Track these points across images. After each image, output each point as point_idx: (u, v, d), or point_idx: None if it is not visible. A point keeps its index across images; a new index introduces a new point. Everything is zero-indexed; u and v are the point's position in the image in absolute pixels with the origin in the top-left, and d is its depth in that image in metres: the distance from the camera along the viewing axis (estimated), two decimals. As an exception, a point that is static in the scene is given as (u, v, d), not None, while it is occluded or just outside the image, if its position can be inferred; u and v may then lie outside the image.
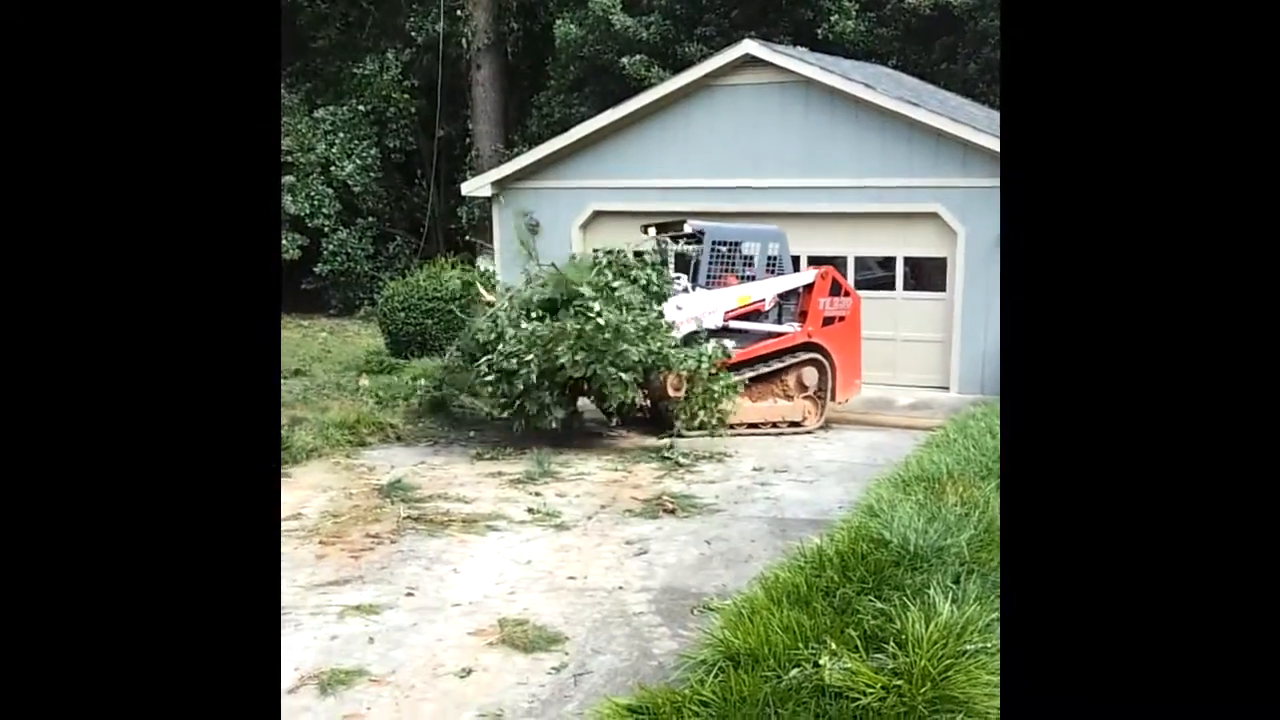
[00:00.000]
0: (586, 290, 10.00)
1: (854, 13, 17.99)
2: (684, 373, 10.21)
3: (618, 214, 14.40)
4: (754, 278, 11.52)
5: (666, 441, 10.21)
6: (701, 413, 10.42)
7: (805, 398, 11.38)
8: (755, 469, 9.65)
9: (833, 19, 17.73)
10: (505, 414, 10.23)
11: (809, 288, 11.62)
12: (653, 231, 11.80)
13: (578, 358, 9.65)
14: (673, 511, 8.17)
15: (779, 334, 11.34)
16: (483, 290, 11.42)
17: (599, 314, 9.76)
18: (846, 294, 11.80)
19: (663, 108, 14.35)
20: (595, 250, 11.54)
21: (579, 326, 9.70)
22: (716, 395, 10.40)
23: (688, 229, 11.52)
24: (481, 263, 12.35)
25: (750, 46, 13.75)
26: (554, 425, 10.08)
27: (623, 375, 9.71)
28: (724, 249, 11.47)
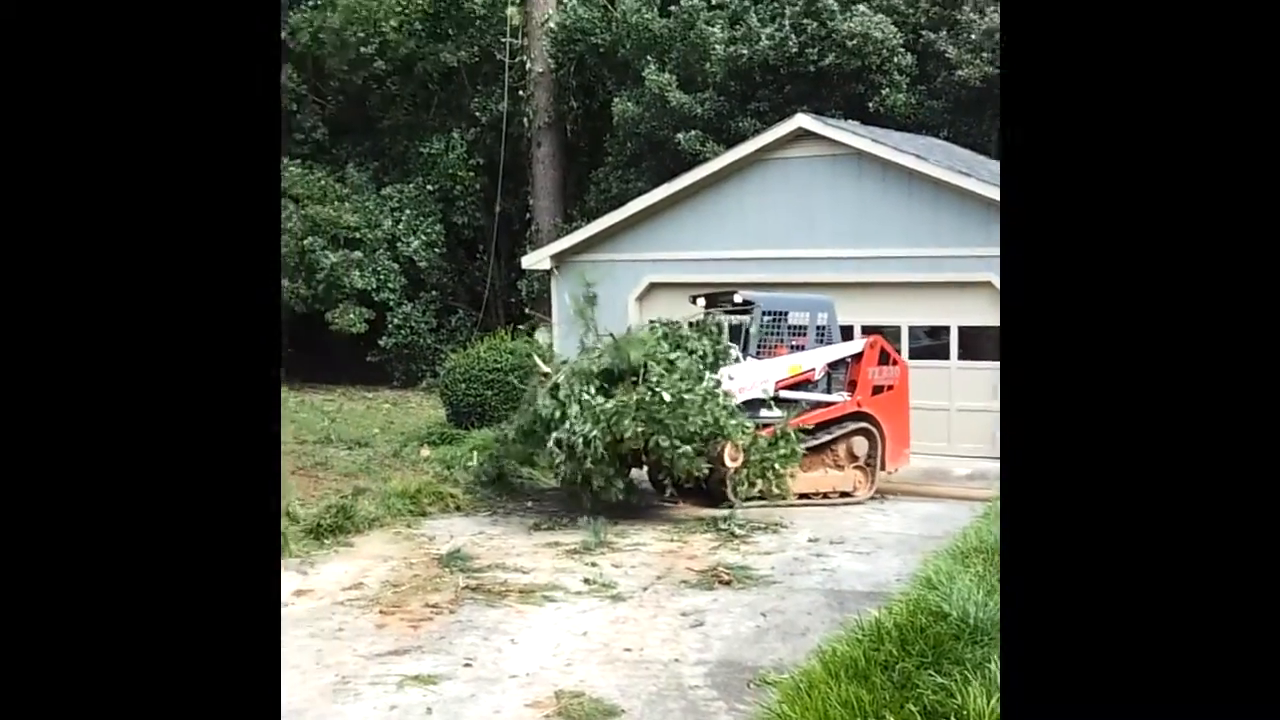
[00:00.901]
0: (649, 362, 10.11)
1: (905, 86, 18.21)
2: (740, 442, 10.27)
3: (673, 286, 14.62)
4: (803, 347, 11.59)
5: (723, 512, 10.24)
6: (760, 481, 10.45)
7: (856, 467, 11.35)
8: (811, 540, 9.63)
9: (884, 92, 17.97)
10: (570, 488, 10.34)
11: (858, 357, 11.65)
12: (701, 302, 11.95)
13: (640, 429, 9.77)
14: (728, 583, 8.19)
15: (829, 403, 11.36)
16: (539, 362, 11.58)
17: (660, 385, 9.87)
18: (895, 363, 11.81)
19: (717, 181, 14.62)
20: (652, 321, 11.68)
21: (641, 398, 9.81)
22: (774, 464, 10.43)
23: (738, 299, 11.65)
24: (540, 336, 12.46)
25: (803, 120, 14.01)
26: (619, 498, 10.16)
27: (686, 446, 9.81)
28: (774, 319, 11.56)
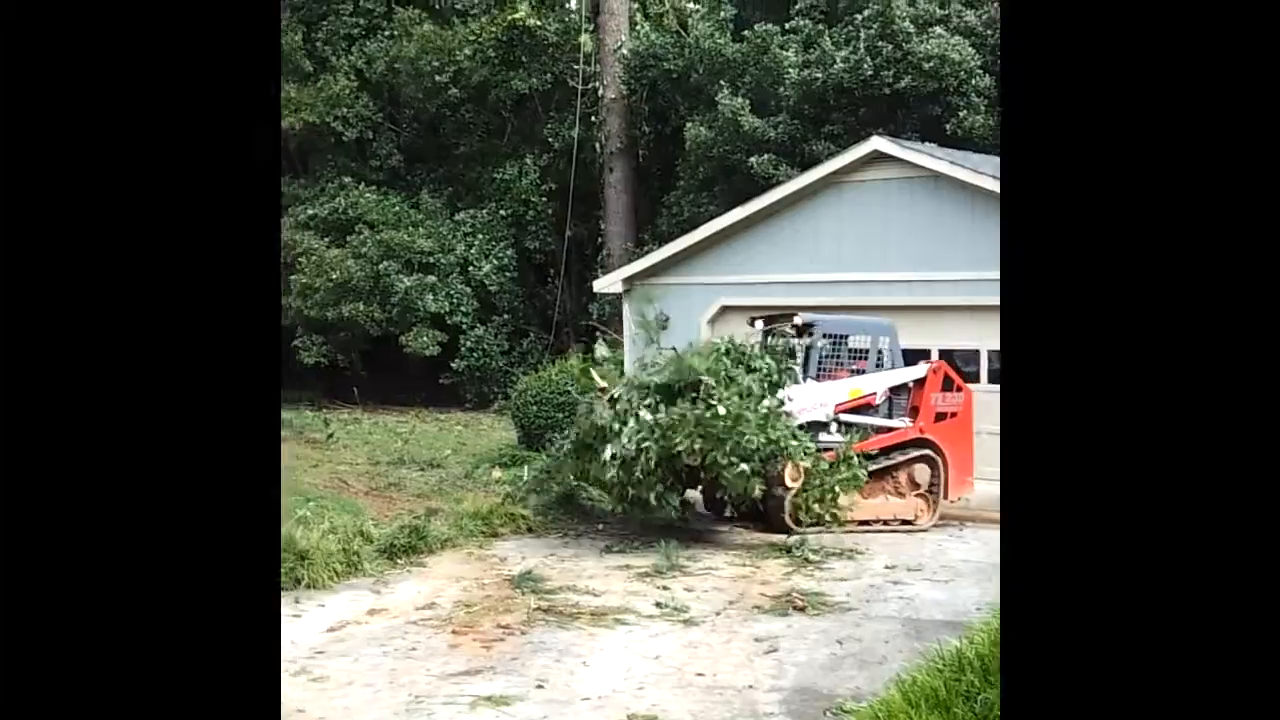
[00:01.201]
0: (707, 377, 9.96)
1: (983, 108, 17.94)
2: (802, 463, 10.07)
3: (745, 308, 14.51)
4: (863, 371, 11.39)
5: (796, 538, 10.07)
6: (816, 505, 10.23)
7: (918, 495, 11.10)
8: (888, 567, 9.42)
9: (961, 114, 17.72)
10: (621, 505, 10.21)
11: (920, 382, 11.42)
12: (759, 324, 11.78)
13: (696, 445, 9.60)
14: (803, 609, 8.04)
15: (890, 429, 11.14)
16: (597, 377, 11.37)
17: (718, 401, 9.70)
18: (959, 389, 11.56)
19: (790, 205, 14.51)
20: (716, 339, 11.59)
21: (698, 413, 9.66)
22: (834, 489, 10.21)
23: (798, 321, 11.44)
24: (600, 349, 12.23)
25: (878, 143, 13.85)
26: (672, 515, 10.05)
27: (743, 464, 9.62)
28: (834, 342, 11.38)
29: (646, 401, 9.94)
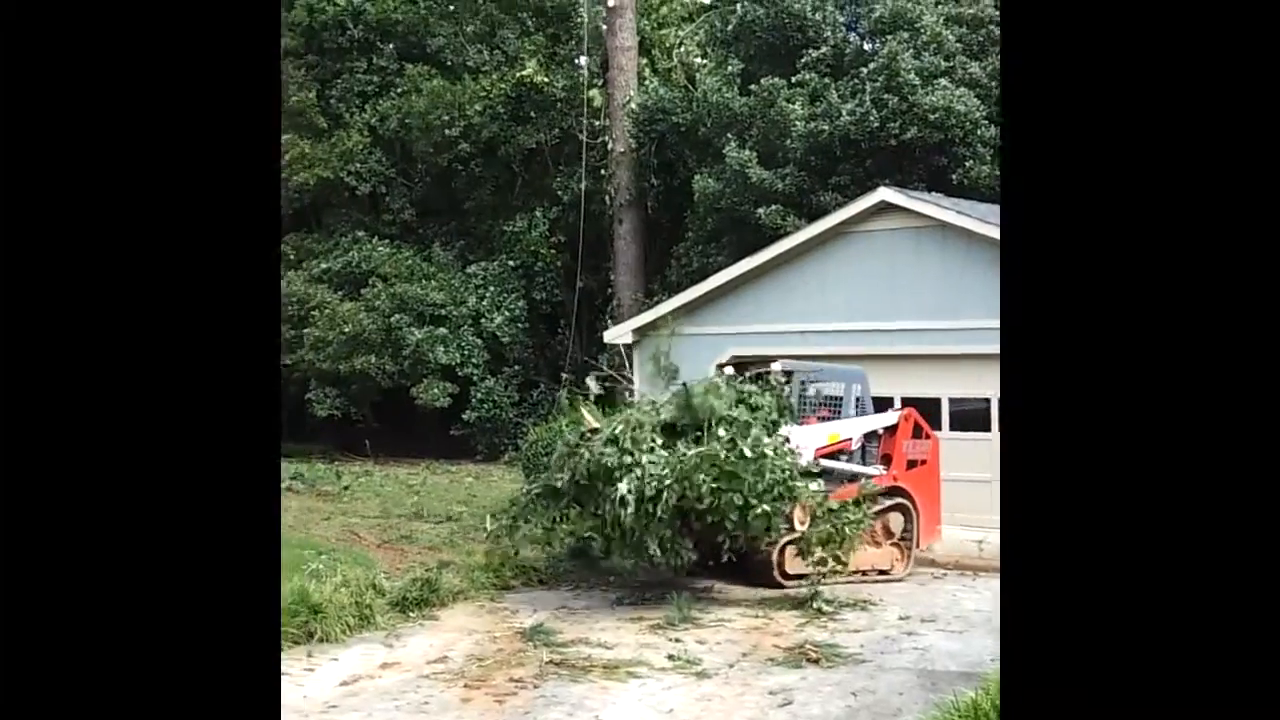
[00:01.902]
0: (728, 412, 9.58)
1: (989, 158, 18.10)
2: (810, 504, 9.75)
3: (756, 359, 14.56)
4: (835, 417, 11.31)
5: (807, 590, 9.97)
6: (819, 550, 9.80)
7: (892, 544, 10.95)
8: (901, 618, 9.35)
9: (968, 165, 17.88)
10: (624, 552, 9.69)
11: (891, 429, 11.37)
12: (729, 370, 11.34)
13: (716, 485, 9.14)
14: (817, 661, 7.98)
15: (866, 475, 10.90)
16: (588, 415, 10.53)
17: (737, 437, 9.34)
18: (927, 436, 11.53)
19: (799, 255, 14.63)
20: (718, 368, 11.35)
21: (715, 452, 9.24)
22: (845, 530, 9.83)
23: (776, 368, 11.15)
24: (591, 384, 11.44)
25: (885, 193, 13.99)
26: (681, 562, 9.67)
27: (763, 505, 9.20)
28: (809, 388, 11.30)
29: (655, 440, 9.49)
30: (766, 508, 9.24)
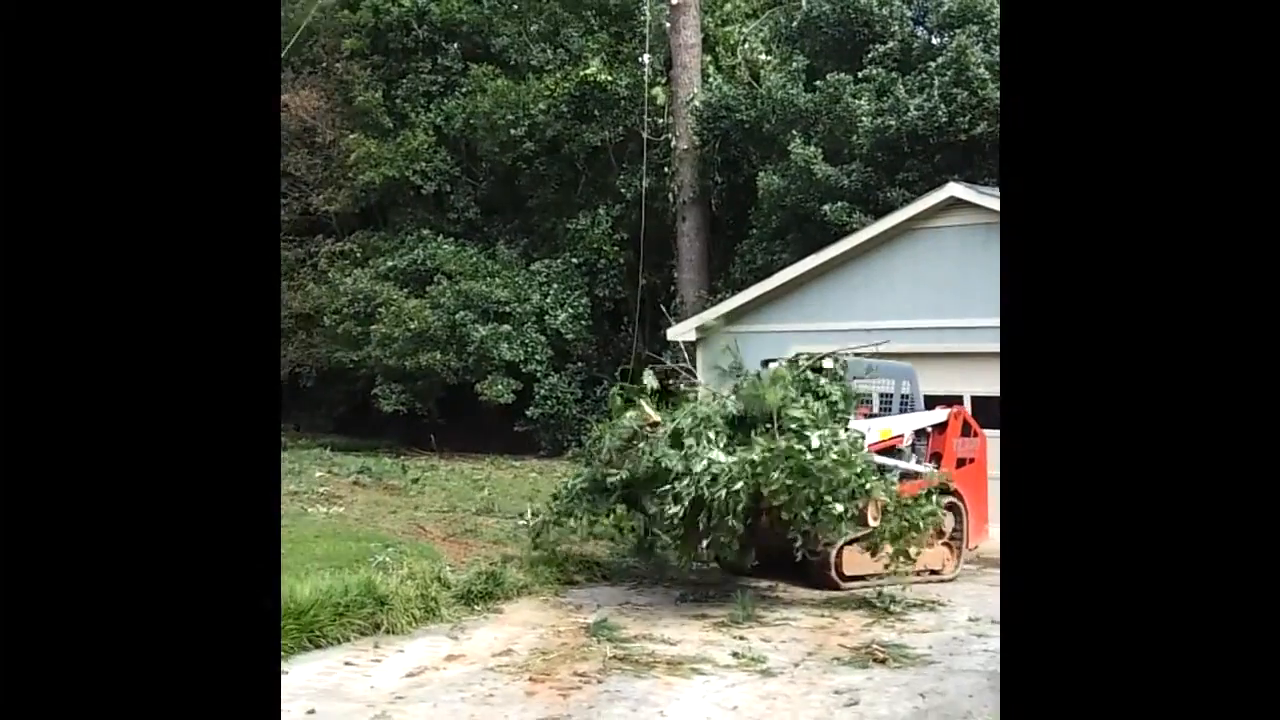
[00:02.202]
0: (794, 410, 9.26)
1: (1061, 152, 17.75)
2: (882, 499, 9.40)
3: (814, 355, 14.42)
4: (888, 413, 11.13)
5: (874, 589, 9.85)
6: (889, 546, 9.46)
7: (943, 544, 10.73)
8: (971, 619, 9.19)
9: (1039, 159, 17.55)
10: (690, 552, 9.52)
11: (940, 427, 11.14)
12: (774, 365, 10.91)
13: (789, 483, 8.80)
14: (884, 661, 7.87)
15: (917, 474, 10.61)
16: (647, 408, 10.06)
17: (811, 431, 9.03)
18: (975, 434, 11.29)
19: (865, 252, 14.46)
20: (763, 364, 11.05)
21: (789, 446, 8.92)
22: (920, 523, 9.46)
23: (827, 364, 11.01)
24: (648, 379, 10.95)
25: (955, 189, 13.77)
26: (753, 562, 9.67)
27: (838, 504, 8.85)
28: (860, 383, 11.01)
29: (724, 434, 9.20)
30: (841, 505, 8.89)
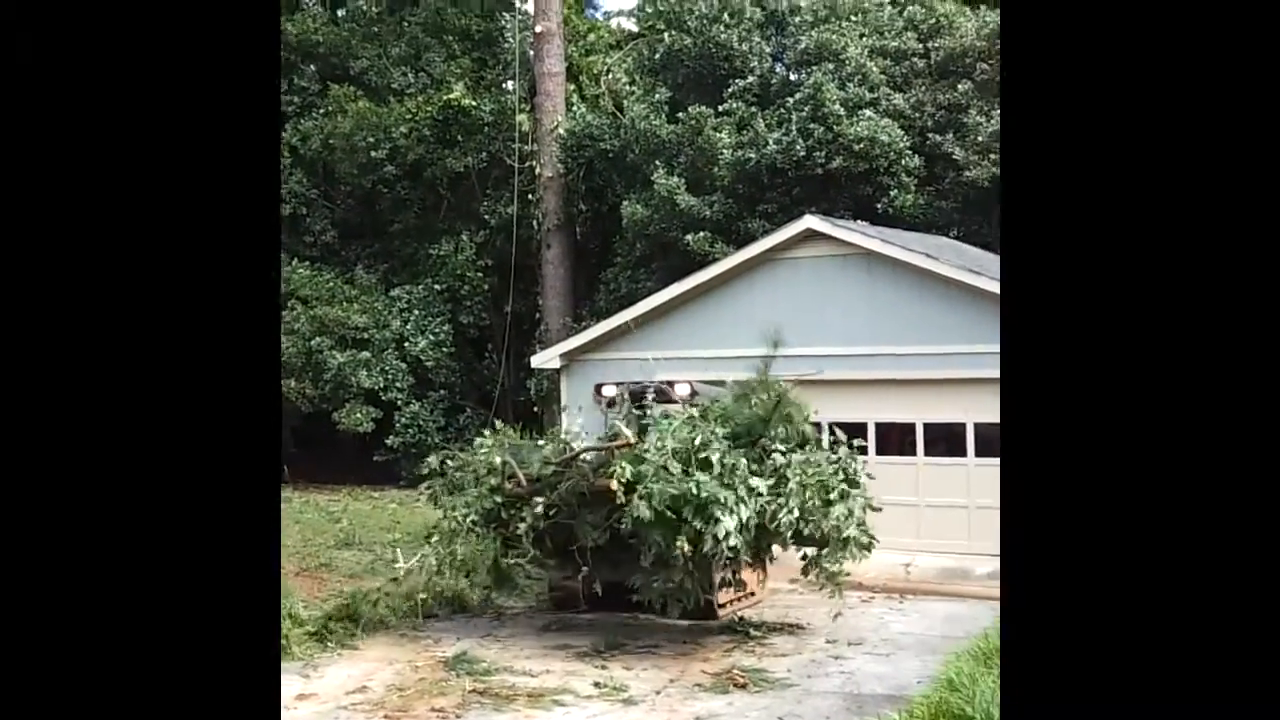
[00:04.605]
0: (772, 424, 8.96)
1: (913, 187, 18.43)
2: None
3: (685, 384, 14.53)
4: None
5: (733, 615, 9.92)
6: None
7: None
8: (829, 641, 9.34)
9: (892, 193, 18.18)
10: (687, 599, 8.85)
11: None
12: (610, 390, 10.54)
13: (824, 501, 8.58)
14: (744, 686, 7.91)
15: None
16: (623, 429, 9.32)
17: (820, 456, 8.82)
18: None
19: (726, 281, 14.67)
20: (596, 389, 10.80)
21: (821, 467, 8.74)
22: (862, 543, 9.08)
23: (681, 391, 10.81)
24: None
25: (811, 221, 14.12)
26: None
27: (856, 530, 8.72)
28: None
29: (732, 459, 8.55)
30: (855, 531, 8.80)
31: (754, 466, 8.62)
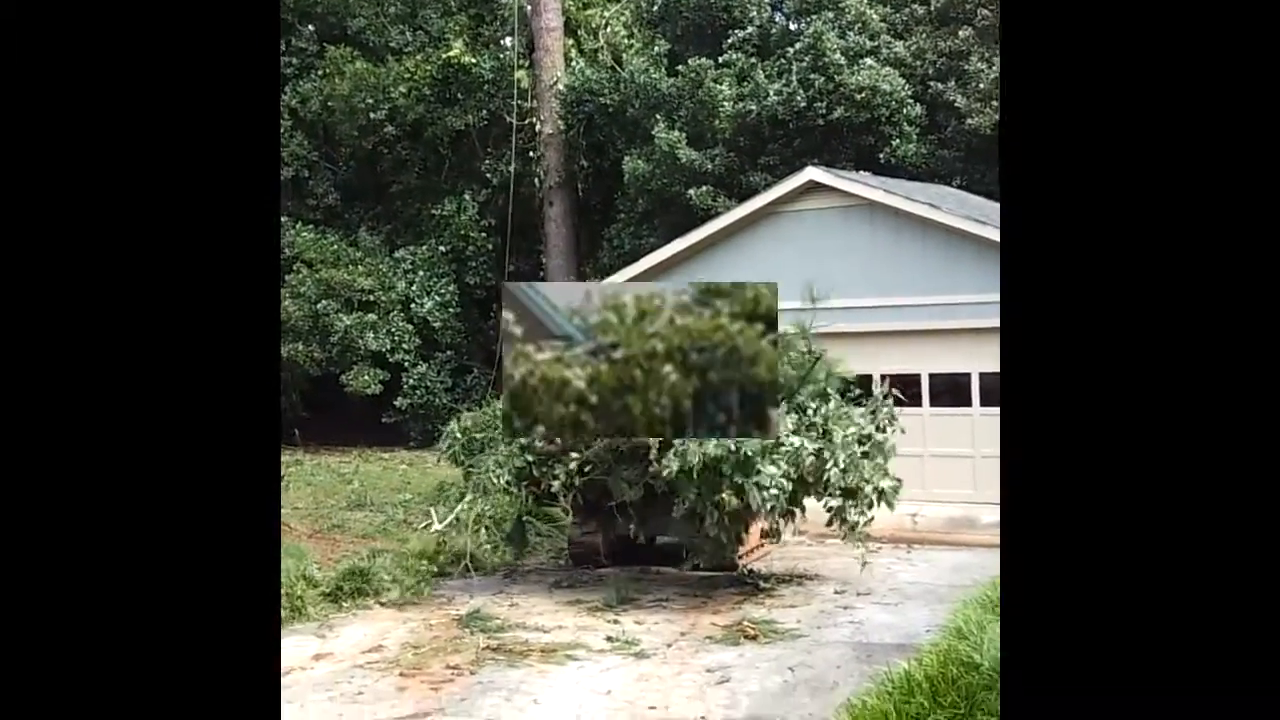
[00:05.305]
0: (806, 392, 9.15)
1: (915, 136, 18.32)
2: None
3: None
4: None
5: (743, 568, 10.04)
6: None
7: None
8: (837, 592, 9.45)
9: (894, 143, 18.07)
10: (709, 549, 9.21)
11: None
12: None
13: (840, 470, 8.78)
14: (754, 637, 8.03)
15: None
16: None
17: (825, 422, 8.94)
18: None
19: (729, 235, 14.65)
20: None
21: (843, 433, 8.90)
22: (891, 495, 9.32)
23: None
24: None
25: (813, 173, 14.06)
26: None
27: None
28: None
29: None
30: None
31: (791, 419, 8.85)
